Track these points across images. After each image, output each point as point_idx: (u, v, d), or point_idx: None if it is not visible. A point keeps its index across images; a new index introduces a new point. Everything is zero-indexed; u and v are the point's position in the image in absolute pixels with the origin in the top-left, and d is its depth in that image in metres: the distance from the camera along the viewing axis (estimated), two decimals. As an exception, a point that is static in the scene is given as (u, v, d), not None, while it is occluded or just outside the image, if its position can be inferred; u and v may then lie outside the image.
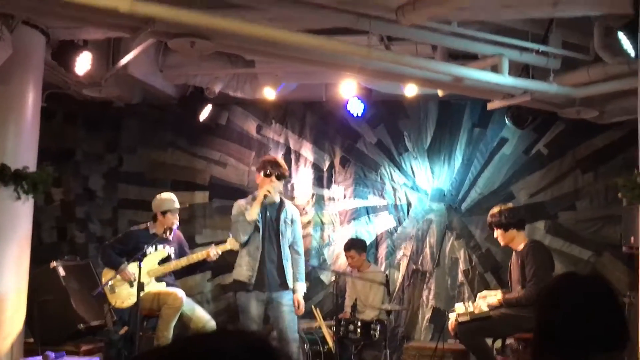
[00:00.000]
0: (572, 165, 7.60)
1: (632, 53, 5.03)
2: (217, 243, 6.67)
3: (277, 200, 5.98)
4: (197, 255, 6.47)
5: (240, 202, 6.05)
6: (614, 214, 7.15)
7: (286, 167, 6.14)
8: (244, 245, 5.91)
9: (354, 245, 7.28)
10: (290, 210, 6.10)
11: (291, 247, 6.04)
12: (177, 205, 6.59)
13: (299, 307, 5.96)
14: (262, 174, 5.96)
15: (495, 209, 6.11)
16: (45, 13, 5.25)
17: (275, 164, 6.02)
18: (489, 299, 5.99)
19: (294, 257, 6.03)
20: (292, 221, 6.05)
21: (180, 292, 6.32)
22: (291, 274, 5.96)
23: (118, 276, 6.22)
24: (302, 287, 6.03)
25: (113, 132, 8.73)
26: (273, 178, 5.91)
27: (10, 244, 5.64)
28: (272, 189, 5.87)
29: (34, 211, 6.01)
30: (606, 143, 7.47)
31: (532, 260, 5.79)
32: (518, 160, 7.77)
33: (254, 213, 5.84)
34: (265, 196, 5.83)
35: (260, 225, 5.88)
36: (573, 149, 7.60)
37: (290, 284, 5.93)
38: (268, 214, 5.95)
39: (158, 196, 6.66)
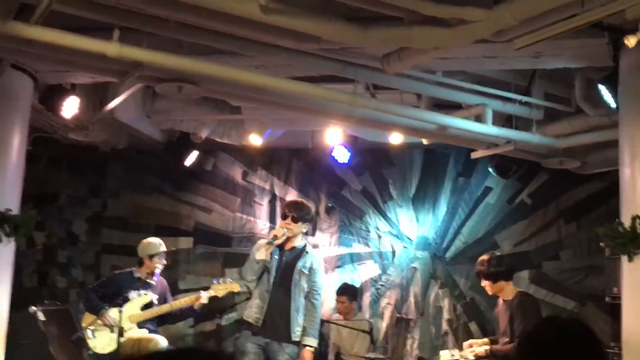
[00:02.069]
0: (555, 215, 7.65)
1: (612, 105, 5.12)
2: (202, 289, 6.61)
3: (300, 245, 5.68)
4: (181, 302, 6.39)
5: (261, 242, 5.74)
6: (597, 264, 7.18)
7: (309, 208, 5.78)
8: (255, 286, 5.64)
9: (347, 292, 7.25)
10: (310, 259, 5.64)
11: (307, 297, 5.60)
12: (163, 248, 6.54)
13: None
14: (281, 217, 5.73)
15: (483, 257, 6.01)
16: (34, 57, 5.27)
17: (291, 205, 5.78)
18: (476, 349, 5.93)
19: (309, 308, 5.58)
20: (310, 270, 5.60)
21: (161, 339, 6.23)
22: (299, 326, 5.50)
23: (99, 321, 6.13)
24: (312, 342, 5.55)
25: (98, 176, 8.70)
26: (289, 220, 5.59)
27: (-10, 287, 5.56)
28: (281, 231, 5.57)
29: (16, 255, 5.94)
30: (589, 193, 7.54)
31: (522, 315, 5.70)
32: (502, 209, 7.82)
33: (262, 253, 5.51)
34: (274, 237, 5.54)
35: (273, 268, 5.55)
36: (556, 199, 7.66)
37: (295, 336, 5.48)
38: (284, 259, 5.61)
39: (144, 240, 6.61)
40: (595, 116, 5.75)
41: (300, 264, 5.58)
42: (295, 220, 5.59)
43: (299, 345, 5.53)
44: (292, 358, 5.52)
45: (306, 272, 5.59)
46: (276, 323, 5.51)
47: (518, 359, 2.02)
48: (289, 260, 5.61)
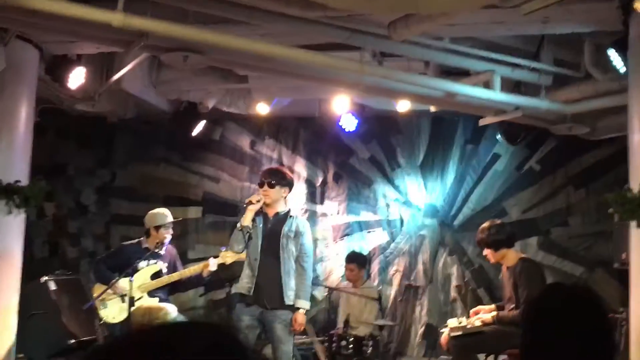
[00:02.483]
0: (564, 181, 7.63)
1: (622, 70, 5.07)
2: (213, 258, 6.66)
3: (284, 210, 5.70)
4: (190, 270, 6.45)
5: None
6: (605, 230, 7.16)
7: (284, 173, 5.79)
8: (245, 256, 5.68)
9: (357, 259, 7.28)
10: (296, 222, 5.68)
11: (297, 261, 5.62)
12: (170, 219, 6.57)
13: (295, 325, 5.55)
14: (258, 185, 5.76)
15: (484, 225, 6.03)
16: (39, 27, 5.25)
17: (266, 172, 5.81)
18: (482, 316, 5.97)
19: (299, 271, 5.60)
20: (297, 233, 5.62)
21: (171, 307, 6.30)
22: (291, 290, 5.53)
23: (109, 291, 6.18)
24: (304, 305, 5.58)
25: (106, 147, 8.73)
26: (265, 187, 5.62)
27: (1, 258, 5.61)
28: (256, 197, 5.61)
29: (26, 226, 5.98)
30: (598, 159, 7.51)
31: (525, 282, 5.74)
32: (510, 176, 7.80)
33: (243, 220, 5.58)
34: (249, 202, 5.58)
35: (259, 237, 5.61)
36: (565, 165, 7.63)
37: (288, 300, 5.51)
38: (270, 225, 5.65)
39: (150, 212, 6.65)
40: (605, 81, 5.70)
41: (285, 228, 5.61)
42: (271, 185, 5.62)
43: (293, 309, 5.55)
44: (288, 323, 5.55)
45: (292, 235, 5.62)
46: (268, 290, 5.53)
47: (523, 326, 2.02)
48: (273, 227, 5.65)
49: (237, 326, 5.59)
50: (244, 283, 5.60)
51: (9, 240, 5.71)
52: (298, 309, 5.57)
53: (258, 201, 5.58)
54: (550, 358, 1.90)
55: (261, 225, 5.65)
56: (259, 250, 5.59)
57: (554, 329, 1.93)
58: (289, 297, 5.54)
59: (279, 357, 5.53)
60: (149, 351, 0.72)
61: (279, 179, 5.68)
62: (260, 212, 5.67)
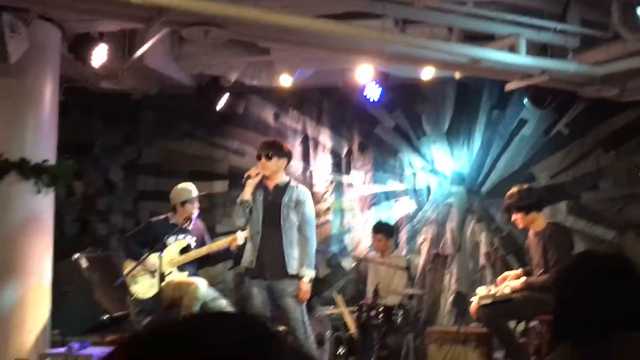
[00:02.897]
0: (593, 144, 7.51)
1: (652, 28, 4.95)
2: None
3: (283, 181, 5.74)
4: (219, 244, 6.49)
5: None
6: (636, 192, 7.08)
7: (280, 145, 5.82)
8: (246, 230, 5.77)
9: (384, 229, 7.27)
10: (296, 192, 5.70)
11: (299, 230, 5.67)
12: (194, 193, 6.60)
13: (300, 294, 5.59)
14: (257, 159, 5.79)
15: (512, 190, 5.99)
16: (60, 6, 5.26)
17: (264, 144, 5.83)
18: (512, 283, 5.94)
19: (301, 240, 5.63)
20: (297, 203, 5.66)
21: (201, 282, 6.35)
22: (295, 260, 5.57)
23: (139, 267, 6.25)
24: (308, 273, 5.60)
25: (131, 124, 8.77)
26: (263, 159, 5.66)
27: (33, 237, 5.69)
28: (255, 170, 5.65)
29: (56, 204, 6.05)
30: (628, 121, 7.37)
31: (554, 245, 5.71)
32: (538, 141, 7.69)
33: (243, 195, 5.65)
34: (247, 176, 5.63)
35: (260, 209, 5.65)
36: (594, 128, 7.50)
37: (292, 270, 5.55)
38: (270, 197, 5.68)
39: (175, 188, 6.68)
40: (634, 41, 5.56)
41: (285, 199, 5.65)
42: (268, 157, 5.65)
43: (299, 278, 5.60)
44: (294, 293, 5.59)
45: (293, 205, 5.66)
46: (271, 261, 5.60)
47: (556, 295, 1.99)
48: (273, 198, 5.69)
49: (247, 302, 5.64)
50: (247, 257, 5.70)
51: (40, 219, 5.79)
52: (301, 277, 5.61)
53: (257, 174, 5.64)
54: (584, 327, 1.87)
55: (261, 198, 5.70)
56: (260, 223, 5.66)
57: (587, 298, 1.90)
58: (293, 267, 5.59)
59: (292, 327, 5.59)
60: (183, 342, 0.71)
61: (276, 150, 5.71)
62: (260, 185, 5.72)
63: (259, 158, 5.70)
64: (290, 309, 5.58)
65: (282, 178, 5.77)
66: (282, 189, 5.73)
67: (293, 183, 5.84)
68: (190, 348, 0.71)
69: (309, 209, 5.77)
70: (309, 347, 5.68)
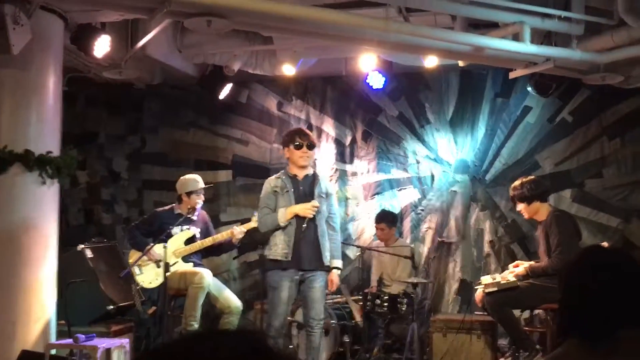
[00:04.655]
0: (598, 132, 7.49)
1: (657, 16, 4.91)
2: (242, 221, 6.72)
3: (311, 172, 5.76)
4: (223, 235, 6.51)
5: (270, 180, 5.79)
6: (641, 180, 7.06)
7: (312, 136, 5.89)
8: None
9: (386, 218, 7.28)
10: (324, 183, 5.77)
11: (327, 222, 5.70)
12: (201, 185, 6.62)
13: (332, 285, 5.71)
14: (291, 146, 5.66)
15: (517, 182, 6.03)
16: (62, -3, 5.25)
17: (302, 133, 5.78)
18: (515, 269, 5.96)
19: (330, 232, 5.69)
20: (327, 194, 5.70)
21: (206, 272, 6.37)
22: (327, 250, 5.62)
23: (145, 257, 6.27)
24: (338, 264, 5.73)
25: (135, 113, 8.76)
26: (305, 149, 5.63)
27: (38, 227, 5.70)
28: (314, 210, 5.55)
29: (61, 194, 6.07)
30: (632, 108, 7.35)
31: (555, 229, 5.73)
32: (542, 128, 7.67)
33: (285, 217, 5.54)
34: (315, 209, 5.55)
35: (293, 201, 5.60)
36: (599, 115, 7.48)
37: (326, 261, 5.61)
38: (302, 188, 5.65)
39: (181, 178, 6.69)
40: (639, 28, 5.53)
41: (317, 190, 5.66)
42: (310, 147, 5.69)
43: (329, 269, 5.67)
44: (322, 287, 5.66)
45: (324, 196, 5.68)
46: (308, 253, 5.58)
47: (560, 289, 1.99)
48: (306, 189, 5.67)
49: (274, 293, 5.61)
50: (279, 249, 5.59)
51: (45, 210, 5.79)
52: (334, 268, 5.67)
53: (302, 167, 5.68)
54: (590, 322, 1.88)
55: (292, 189, 5.64)
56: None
57: (593, 293, 1.90)
58: (327, 258, 5.63)
59: (313, 316, 5.60)
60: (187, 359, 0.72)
61: (313, 140, 5.77)
62: (287, 175, 5.68)
63: (299, 147, 5.64)
64: (319, 299, 5.63)
65: (310, 168, 5.78)
66: (311, 179, 5.73)
67: (318, 174, 5.85)
68: None
69: (335, 200, 5.87)
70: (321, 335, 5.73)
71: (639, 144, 7.23)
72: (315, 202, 5.55)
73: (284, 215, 5.55)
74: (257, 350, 0.73)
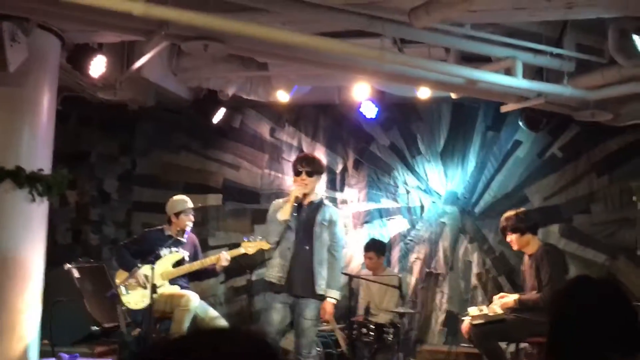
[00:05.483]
0: (586, 168, 7.56)
1: (647, 55, 4.99)
2: (231, 246, 6.71)
3: (317, 199, 5.73)
4: (211, 259, 6.50)
5: (278, 201, 5.82)
6: (629, 217, 7.11)
7: (320, 161, 5.84)
8: (276, 246, 5.69)
9: (375, 247, 7.29)
10: (329, 211, 5.72)
11: (329, 251, 5.65)
12: (190, 205, 6.61)
13: (324, 315, 5.66)
14: (294, 173, 5.72)
15: (510, 213, 6.08)
16: (60, 16, 5.27)
17: (304, 159, 5.77)
18: (503, 300, 5.96)
19: (331, 261, 5.63)
20: (329, 222, 5.66)
21: (193, 295, 6.34)
22: (323, 279, 5.57)
23: (131, 278, 6.24)
24: (334, 295, 5.65)
25: (127, 134, 8.77)
26: (304, 176, 5.62)
27: (26, 245, 5.67)
28: (300, 190, 5.60)
29: (49, 213, 6.04)
30: (621, 146, 7.43)
31: (547, 264, 5.76)
32: (532, 163, 7.74)
33: (285, 213, 5.56)
34: (296, 199, 5.58)
35: (293, 225, 5.60)
36: (588, 151, 7.55)
37: (319, 290, 5.56)
38: (304, 215, 5.65)
39: (171, 199, 6.70)
40: (629, 67, 5.62)
41: (319, 217, 5.63)
42: (309, 174, 5.63)
43: (323, 298, 5.61)
44: (317, 313, 5.60)
45: (326, 224, 5.64)
46: (300, 279, 5.55)
47: (550, 319, 2.01)
48: (308, 215, 5.65)
49: (266, 315, 5.63)
50: (275, 272, 5.60)
51: (33, 228, 5.77)
52: (327, 298, 5.61)
53: (302, 193, 5.61)
54: (578, 352, 1.89)
55: (295, 214, 5.64)
56: (293, 239, 5.59)
57: (580, 321, 1.92)
58: (320, 287, 5.57)
59: (302, 345, 5.57)
60: (192, 356, 0.73)
61: (317, 167, 5.71)
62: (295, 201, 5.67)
63: (298, 174, 5.66)
64: (309, 328, 5.56)
65: (315, 195, 5.75)
66: (316, 206, 5.70)
67: (325, 202, 5.84)
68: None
69: (340, 229, 5.79)
70: None
71: (626, 181, 7.30)
72: (302, 190, 5.56)
73: (281, 212, 5.57)
74: (261, 349, 0.75)
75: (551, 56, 5.82)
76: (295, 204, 5.65)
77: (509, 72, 5.78)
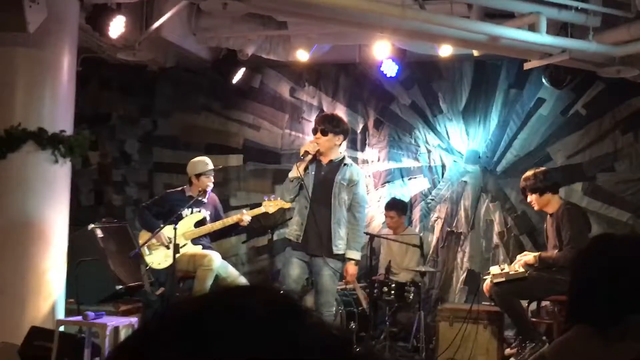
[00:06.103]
0: (611, 125, 7.44)
1: (675, 9, 4.87)
2: (252, 206, 6.74)
3: (338, 158, 5.65)
4: (232, 219, 6.53)
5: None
6: (654, 175, 7.02)
7: (339, 120, 5.69)
8: (296, 205, 5.68)
9: (396, 206, 7.28)
10: (350, 170, 5.60)
11: (349, 210, 5.58)
12: (210, 167, 6.63)
13: (347, 276, 5.64)
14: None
15: (529, 173, 6.02)
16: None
17: (320, 118, 5.75)
18: (524, 258, 5.94)
19: (351, 221, 5.56)
20: (350, 182, 5.56)
21: (215, 254, 6.40)
22: (341, 239, 5.50)
23: (154, 239, 6.30)
24: (354, 255, 5.57)
25: (147, 96, 8.78)
26: (318, 134, 5.54)
27: (50, 205, 5.74)
28: (311, 146, 5.55)
29: (72, 174, 6.10)
30: (647, 103, 7.30)
31: (568, 223, 5.72)
32: (555, 121, 7.64)
33: (294, 171, 5.53)
34: (305, 153, 5.52)
35: (311, 184, 5.54)
36: (612, 109, 7.43)
37: (337, 250, 5.49)
38: (323, 173, 5.58)
39: (191, 160, 6.72)
40: (656, 22, 5.49)
41: (339, 176, 5.56)
42: (324, 133, 5.54)
43: (343, 258, 5.57)
44: (336, 272, 5.57)
45: (345, 184, 5.56)
46: (317, 238, 5.52)
47: (572, 276, 2.00)
48: (326, 174, 5.59)
49: (285, 269, 5.66)
50: (293, 230, 5.62)
51: (56, 189, 5.83)
52: (348, 259, 5.57)
53: (314, 149, 5.54)
54: (599, 312, 1.88)
55: (313, 172, 5.59)
56: (309, 198, 5.55)
57: (603, 280, 1.90)
58: (338, 247, 5.52)
59: (321, 305, 5.59)
60: (214, 314, 0.72)
61: (333, 126, 5.59)
62: (314, 159, 5.61)
63: (314, 132, 5.64)
64: (327, 288, 5.53)
65: (336, 154, 5.68)
66: (336, 165, 5.63)
67: (347, 161, 5.74)
68: (226, 318, 0.72)
69: (362, 189, 5.72)
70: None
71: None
72: (312, 147, 5.54)
73: (293, 170, 5.58)
74: (284, 309, 0.74)
75: (576, 11, 5.69)
76: (315, 162, 5.61)
77: (532, 27, 5.67)
